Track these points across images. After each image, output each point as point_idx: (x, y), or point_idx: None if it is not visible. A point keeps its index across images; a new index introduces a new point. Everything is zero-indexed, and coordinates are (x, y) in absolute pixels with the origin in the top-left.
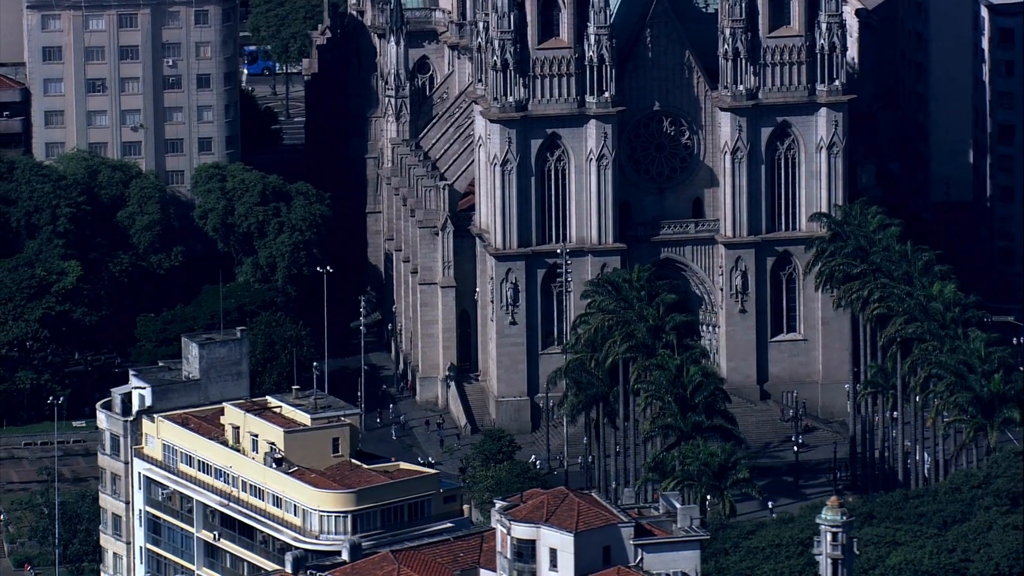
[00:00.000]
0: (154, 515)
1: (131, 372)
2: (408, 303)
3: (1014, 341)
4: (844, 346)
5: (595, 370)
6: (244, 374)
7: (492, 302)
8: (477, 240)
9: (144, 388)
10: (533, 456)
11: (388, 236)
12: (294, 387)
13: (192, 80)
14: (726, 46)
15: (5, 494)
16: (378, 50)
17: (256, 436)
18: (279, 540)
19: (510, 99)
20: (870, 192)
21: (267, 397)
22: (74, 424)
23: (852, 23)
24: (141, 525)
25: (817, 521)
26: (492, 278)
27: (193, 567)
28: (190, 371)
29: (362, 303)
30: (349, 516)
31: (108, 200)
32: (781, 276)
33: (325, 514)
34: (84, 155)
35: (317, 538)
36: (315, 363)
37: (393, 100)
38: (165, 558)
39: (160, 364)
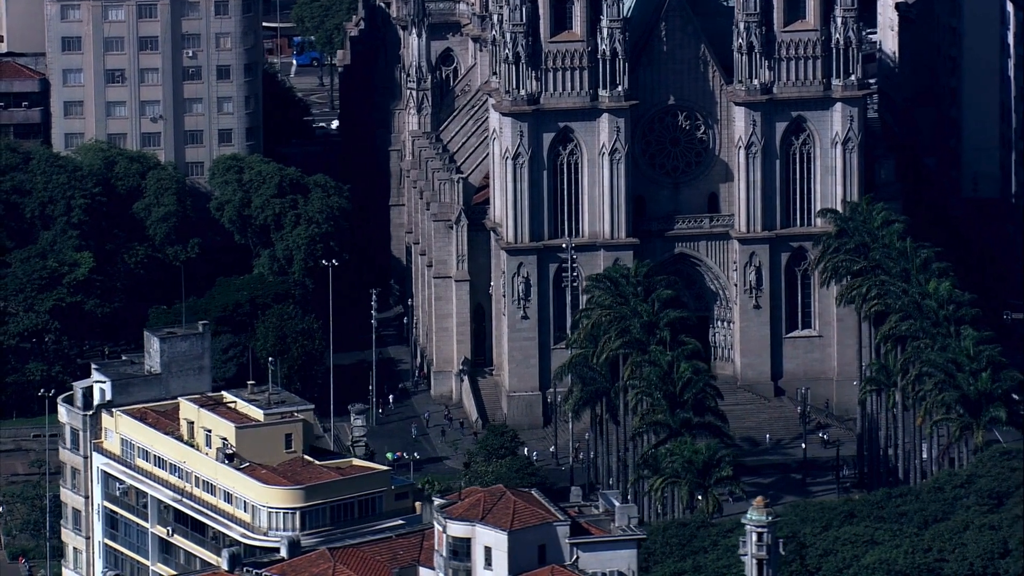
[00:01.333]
0: (111, 510)
1: (93, 366)
2: (425, 297)
3: None
4: (857, 343)
5: (597, 366)
6: (206, 368)
7: (504, 296)
8: (492, 234)
9: (104, 382)
10: (526, 449)
11: (408, 229)
12: (249, 382)
13: (212, 71)
14: (740, 40)
15: (8, 486)
16: (402, 42)
17: (209, 431)
18: (229, 536)
19: (522, 92)
20: (889, 188)
21: (223, 392)
22: None
23: (892, 16)
24: (100, 520)
25: (743, 522)
26: (504, 272)
27: (148, 563)
28: (151, 365)
29: (373, 296)
30: (297, 513)
31: (125, 191)
32: (796, 272)
33: (273, 510)
34: (102, 146)
35: (266, 534)
36: (270, 358)
37: (415, 92)
38: (122, 553)
39: (123, 358)
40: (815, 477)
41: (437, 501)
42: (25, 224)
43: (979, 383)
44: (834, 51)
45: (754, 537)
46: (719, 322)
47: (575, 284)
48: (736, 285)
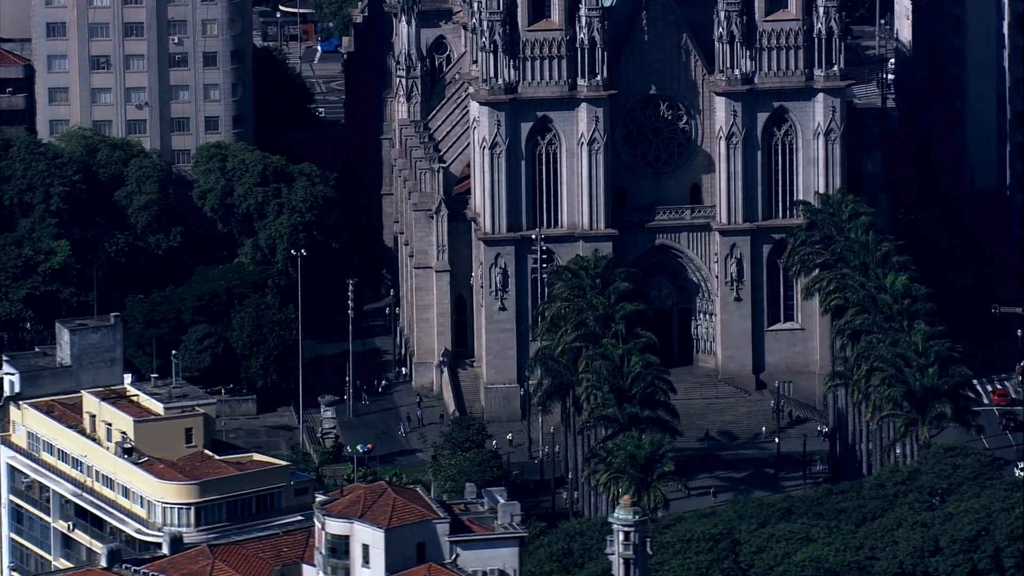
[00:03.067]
0: (17, 504)
1: (4, 358)
2: (409, 287)
3: (1018, 333)
4: (830, 336)
5: (560, 358)
6: (118, 361)
7: (483, 287)
8: (472, 224)
9: (14, 374)
10: (491, 442)
11: (396, 219)
12: (152, 375)
13: (198, 58)
14: (721, 29)
15: None
16: (394, 30)
17: (110, 425)
18: (125, 532)
19: (499, 81)
20: (876, 179)
21: (126, 385)
22: None
23: (907, 4)
24: (6, 515)
25: (610, 520)
26: (482, 263)
27: (51, 558)
28: (62, 357)
29: (350, 287)
30: (192, 508)
31: (107, 179)
32: (778, 264)
33: (168, 506)
34: (84, 133)
35: (160, 530)
36: (173, 352)
37: (404, 80)
38: (27, 549)
39: (36, 349)
40: (788, 472)
41: (319, 498)
42: (4, 211)
43: (926, 378)
44: (816, 41)
45: (621, 536)
46: (701, 314)
47: (545, 276)
48: (717, 277)
